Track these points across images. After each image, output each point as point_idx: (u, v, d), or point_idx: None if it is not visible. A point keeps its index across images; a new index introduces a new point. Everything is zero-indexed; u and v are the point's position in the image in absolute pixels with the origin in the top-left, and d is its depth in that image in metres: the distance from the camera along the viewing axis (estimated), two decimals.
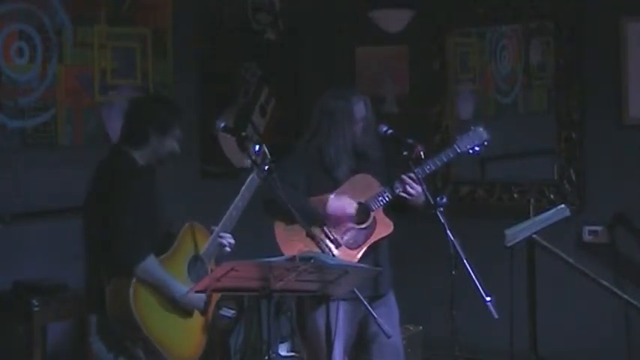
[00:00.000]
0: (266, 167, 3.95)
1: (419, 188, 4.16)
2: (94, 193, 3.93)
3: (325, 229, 4.22)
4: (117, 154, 3.98)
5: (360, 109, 4.28)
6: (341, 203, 4.21)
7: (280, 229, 4.21)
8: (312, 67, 6.44)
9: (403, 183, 4.19)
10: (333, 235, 4.21)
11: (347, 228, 4.23)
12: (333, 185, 4.26)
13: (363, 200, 4.24)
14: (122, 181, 3.84)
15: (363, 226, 4.24)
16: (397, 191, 4.21)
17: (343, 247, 4.21)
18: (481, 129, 4.34)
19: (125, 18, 5.46)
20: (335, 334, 4.01)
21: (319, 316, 4.12)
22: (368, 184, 4.27)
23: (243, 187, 4.03)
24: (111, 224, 3.79)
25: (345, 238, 4.23)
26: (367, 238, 4.24)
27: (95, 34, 5.33)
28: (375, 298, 4.21)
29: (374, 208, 4.23)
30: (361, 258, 4.21)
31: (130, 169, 3.90)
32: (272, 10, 6.33)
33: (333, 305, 4.00)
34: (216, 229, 4.04)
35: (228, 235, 4.07)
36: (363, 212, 4.25)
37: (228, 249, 4.07)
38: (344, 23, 6.44)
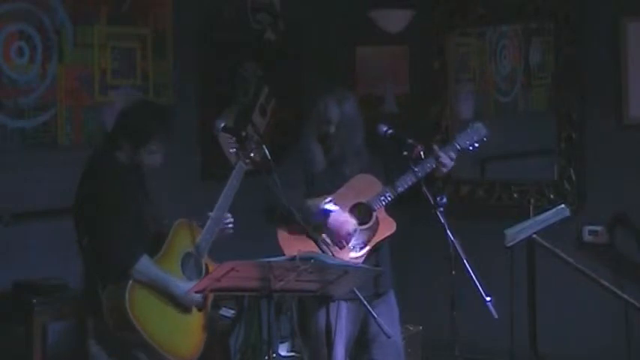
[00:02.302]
0: (251, 154, 3.95)
1: (452, 155, 4.20)
2: (78, 194, 3.91)
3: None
4: (99, 154, 3.96)
5: (329, 109, 4.26)
6: (341, 221, 4.18)
7: (284, 236, 4.21)
8: (312, 67, 6.44)
9: (436, 155, 4.19)
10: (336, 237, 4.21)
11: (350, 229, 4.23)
12: (327, 184, 4.26)
13: (364, 200, 4.24)
14: (105, 183, 3.82)
15: (366, 226, 4.24)
16: (399, 190, 4.21)
17: (347, 248, 4.20)
18: (480, 125, 4.35)
19: (125, 18, 5.46)
20: (336, 335, 4.01)
21: (320, 316, 4.12)
22: (370, 184, 4.27)
23: (231, 176, 4.03)
24: (100, 228, 3.77)
25: (349, 239, 4.22)
26: (370, 238, 4.24)
27: (95, 34, 5.33)
28: (374, 297, 4.22)
29: (376, 207, 4.23)
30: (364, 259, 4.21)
31: (112, 169, 3.87)
32: (272, 10, 6.33)
33: (333, 306, 4.00)
34: (209, 222, 4.03)
35: (228, 215, 4.07)
36: (366, 212, 4.25)
37: (230, 231, 4.08)
38: (344, 23, 6.44)
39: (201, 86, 5.90)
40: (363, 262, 4.17)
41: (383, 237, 4.25)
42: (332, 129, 4.25)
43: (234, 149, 4.02)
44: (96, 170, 3.89)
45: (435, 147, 4.23)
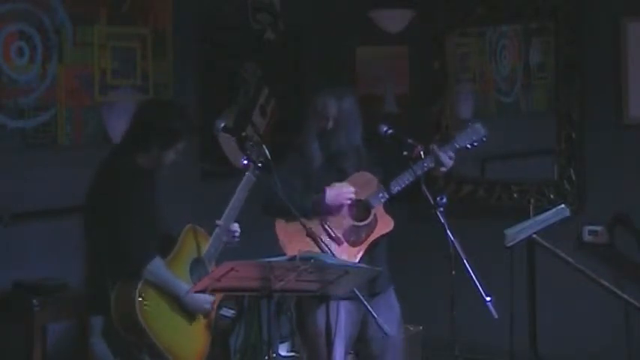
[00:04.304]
0: (259, 165, 3.96)
1: (452, 154, 4.19)
2: (95, 193, 3.93)
3: (326, 226, 4.21)
4: (119, 155, 3.98)
5: (327, 104, 4.27)
6: (337, 190, 4.19)
7: (281, 228, 4.22)
8: (312, 67, 6.44)
9: (435, 155, 4.18)
10: (334, 233, 4.21)
11: (348, 225, 4.23)
12: (326, 180, 4.26)
13: (363, 197, 4.25)
14: (124, 183, 3.84)
15: (364, 223, 4.25)
16: (395, 190, 4.21)
17: (345, 245, 4.21)
18: (478, 125, 4.35)
19: (125, 18, 5.46)
20: (335, 334, 4.01)
21: (319, 316, 4.12)
22: (367, 182, 4.27)
23: (239, 187, 4.04)
24: (116, 226, 3.78)
25: (347, 235, 4.23)
26: (368, 235, 4.25)
27: (95, 34, 5.33)
28: (372, 295, 4.21)
29: (374, 205, 4.24)
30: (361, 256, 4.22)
31: (131, 170, 3.90)
32: (272, 10, 6.33)
33: (333, 305, 4.00)
34: (216, 230, 4.04)
35: (236, 225, 4.08)
36: (364, 209, 4.25)
37: (235, 240, 4.09)
38: (344, 23, 6.44)
39: (201, 86, 5.91)
40: (360, 260, 4.17)
41: (380, 234, 4.26)
42: (330, 125, 4.26)
43: (246, 160, 4.03)
44: (114, 170, 3.91)
45: (434, 146, 4.23)
